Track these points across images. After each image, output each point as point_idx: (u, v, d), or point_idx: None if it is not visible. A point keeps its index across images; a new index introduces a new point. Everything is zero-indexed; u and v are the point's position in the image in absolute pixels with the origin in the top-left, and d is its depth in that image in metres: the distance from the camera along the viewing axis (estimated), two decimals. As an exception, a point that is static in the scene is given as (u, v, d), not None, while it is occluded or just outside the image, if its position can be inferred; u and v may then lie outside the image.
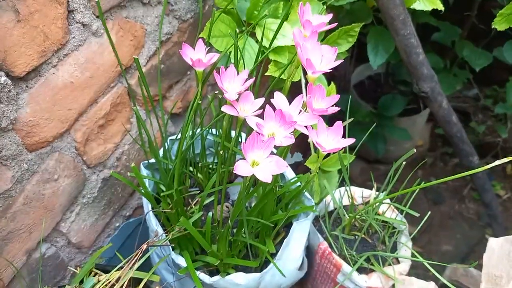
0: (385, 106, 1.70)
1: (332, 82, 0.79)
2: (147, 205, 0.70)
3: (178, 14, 0.94)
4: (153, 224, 0.66)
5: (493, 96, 2.10)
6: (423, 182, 0.62)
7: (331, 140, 0.46)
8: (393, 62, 1.63)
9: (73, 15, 0.71)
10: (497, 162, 0.55)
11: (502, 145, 1.93)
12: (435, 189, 1.98)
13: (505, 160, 0.54)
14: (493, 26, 0.77)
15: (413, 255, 0.70)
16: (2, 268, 0.69)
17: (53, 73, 0.70)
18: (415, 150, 0.64)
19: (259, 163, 0.44)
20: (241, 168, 0.43)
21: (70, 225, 0.81)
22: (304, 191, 0.70)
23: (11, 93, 0.63)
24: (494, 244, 0.68)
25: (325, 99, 0.48)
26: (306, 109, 0.48)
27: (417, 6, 0.81)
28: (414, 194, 0.75)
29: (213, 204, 0.71)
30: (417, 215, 0.61)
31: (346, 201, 0.80)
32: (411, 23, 0.83)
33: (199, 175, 0.80)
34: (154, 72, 0.92)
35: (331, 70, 0.48)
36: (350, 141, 0.45)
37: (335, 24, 0.56)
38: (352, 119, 0.59)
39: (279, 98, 0.48)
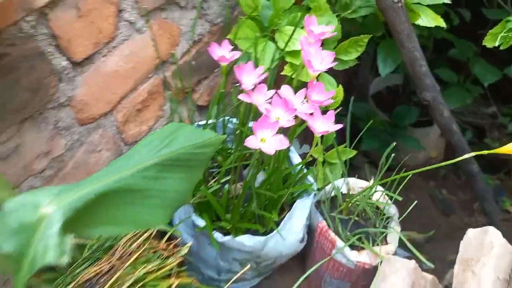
0: (399, 115, 1.78)
1: (340, 85, 0.90)
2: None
3: (210, 18, 1.07)
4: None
5: (510, 114, 2.14)
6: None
7: (324, 125, 0.57)
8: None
9: (122, 14, 0.84)
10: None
11: (515, 163, 1.98)
12: (446, 201, 2.03)
13: None
14: (483, 43, 0.86)
15: (400, 238, 0.80)
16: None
17: (103, 62, 0.84)
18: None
19: (266, 140, 0.56)
20: (251, 142, 0.54)
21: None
22: (308, 175, 0.81)
23: (70, 75, 0.77)
24: (472, 234, 0.77)
25: (322, 93, 0.59)
26: (307, 100, 0.60)
27: (421, 22, 0.91)
28: (406, 181, 0.83)
29: (229, 183, 0.83)
30: (400, 198, 0.71)
31: (346, 191, 0.91)
32: (415, 38, 0.93)
33: (219, 157, 0.92)
34: (186, 68, 1.06)
35: (328, 69, 0.59)
36: (338, 126, 0.56)
37: (335, 33, 0.67)
38: (340, 126, 0.65)
39: (285, 90, 0.60)
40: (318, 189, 0.87)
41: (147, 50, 0.92)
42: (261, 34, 0.88)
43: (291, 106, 0.57)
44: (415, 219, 1.82)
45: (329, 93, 0.59)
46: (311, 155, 0.87)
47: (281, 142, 0.55)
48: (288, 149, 0.79)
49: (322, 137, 0.88)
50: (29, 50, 0.69)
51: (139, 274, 0.63)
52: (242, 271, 0.69)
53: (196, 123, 0.93)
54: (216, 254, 0.77)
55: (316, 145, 0.88)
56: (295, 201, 0.83)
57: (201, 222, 0.74)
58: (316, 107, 0.58)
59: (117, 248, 0.66)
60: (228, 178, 0.88)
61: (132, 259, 0.64)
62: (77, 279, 0.62)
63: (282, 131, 0.57)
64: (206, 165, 0.48)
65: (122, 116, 0.91)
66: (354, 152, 0.91)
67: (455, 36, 1.57)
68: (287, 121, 0.57)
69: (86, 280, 0.62)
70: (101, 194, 0.38)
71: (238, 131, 0.73)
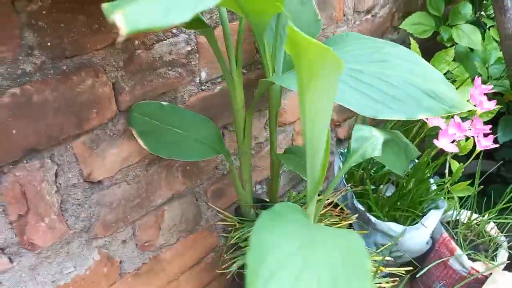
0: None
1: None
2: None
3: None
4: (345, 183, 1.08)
5: None
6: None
7: (485, 142, 0.86)
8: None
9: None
10: None
11: None
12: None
13: None
14: None
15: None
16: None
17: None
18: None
19: (443, 144, 0.85)
20: (435, 143, 0.84)
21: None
22: (442, 197, 1.07)
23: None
24: None
25: (482, 125, 0.88)
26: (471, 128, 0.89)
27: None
28: None
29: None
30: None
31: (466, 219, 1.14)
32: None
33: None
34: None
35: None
36: (495, 145, 0.85)
37: (493, 90, 0.97)
38: (496, 145, 0.93)
39: (457, 119, 0.89)
40: (446, 211, 1.12)
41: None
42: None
43: (463, 128, 0.86)
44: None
45: (486, 126, 0.89)
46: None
47: (453, 148, 0.84)
48: (429, 176, 1.06)
49: (451, 172, 1.15)
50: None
51: (323, 222, 0.91)
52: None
53: (339, 150, 1.24)
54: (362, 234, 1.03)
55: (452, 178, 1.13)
56: (425, 214, 1.08)
57: (360, 206, 1.02)
58: (480, 132, 0.87)
59: (310, 204, 0.95)
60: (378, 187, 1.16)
61: (320, 212, 0.92)
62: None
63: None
64: (409, 159, 0.79)
65: (298, 128, 1.24)
66: (475, 191, 1.15)
67: None
68: (458, 136, 0.86)
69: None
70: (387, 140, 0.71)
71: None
